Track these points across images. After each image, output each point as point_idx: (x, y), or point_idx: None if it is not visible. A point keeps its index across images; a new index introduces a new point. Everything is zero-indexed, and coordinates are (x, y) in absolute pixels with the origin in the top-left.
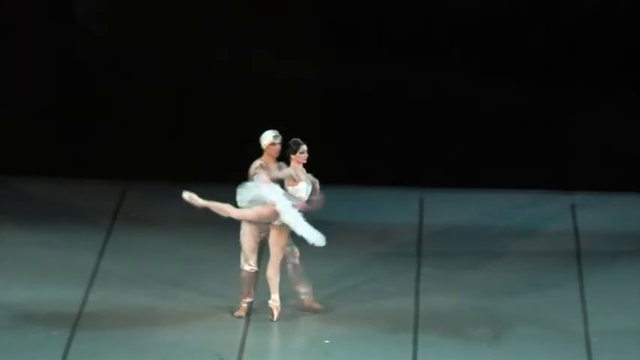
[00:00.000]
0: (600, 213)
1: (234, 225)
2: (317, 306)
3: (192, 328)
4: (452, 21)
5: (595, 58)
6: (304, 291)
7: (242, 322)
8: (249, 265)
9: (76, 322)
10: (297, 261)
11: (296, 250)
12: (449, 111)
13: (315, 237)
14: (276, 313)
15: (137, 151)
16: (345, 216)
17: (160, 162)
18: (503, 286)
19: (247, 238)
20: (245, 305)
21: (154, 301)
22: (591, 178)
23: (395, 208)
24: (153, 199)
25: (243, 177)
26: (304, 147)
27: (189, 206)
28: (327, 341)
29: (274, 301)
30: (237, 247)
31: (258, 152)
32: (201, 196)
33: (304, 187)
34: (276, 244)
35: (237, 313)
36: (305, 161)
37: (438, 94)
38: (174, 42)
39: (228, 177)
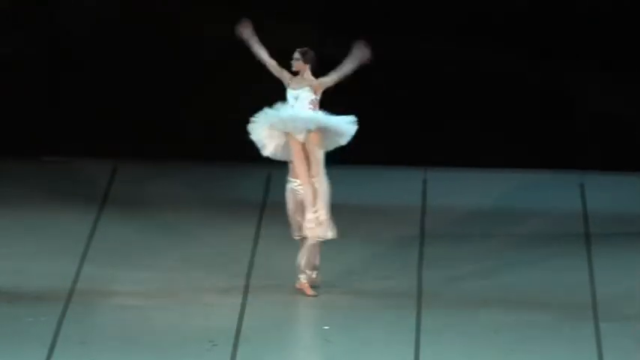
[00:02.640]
0: (610, 193)
1: (227, 206)
2: (312, 292)
3: (185, 314)
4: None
5: (609, 37)
6: (309, 272)
7: (238, 306)
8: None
9: (65, 308)
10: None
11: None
12: (455, 88)
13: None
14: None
15: (128, 130)
16: (346, 197)
17: (150, 141)
18: (509, 269)
19: (289, 205)
20: (301, 278)
21: (145, 286)
22: (601, 158)
23: (397, 188)
24: (143, 179)
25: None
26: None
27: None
28: (326, 327)
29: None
30: (230, 229)
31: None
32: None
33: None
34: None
35: (309, 293)
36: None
37: (443, 72)
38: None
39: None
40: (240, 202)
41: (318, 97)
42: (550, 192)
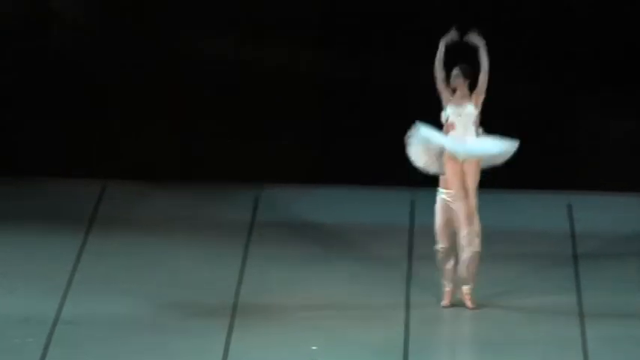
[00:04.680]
0: (598, 214)
1: (215, 227)
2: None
3: (173, 335)
4: (437, 19)
5: (598, 56)
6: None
7: (226, 326)
8: (439, 245)
9: (52, 328)
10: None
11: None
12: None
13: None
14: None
15: (116, 149)
16: (334, 217)
17: (138, 161)
18: (497, 289)
19: (438, 215)
20: (447, 291)
21: (133, 308)
22: (589, 178)
23: (386, 209)
24: (132, 200)
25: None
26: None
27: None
28: (314, 347)
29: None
30: (219, 250)
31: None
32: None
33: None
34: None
35: (442, 302)
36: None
37: (429, 93)
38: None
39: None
40: (229, 222)
41: (479, 109)
42: (538, 212)
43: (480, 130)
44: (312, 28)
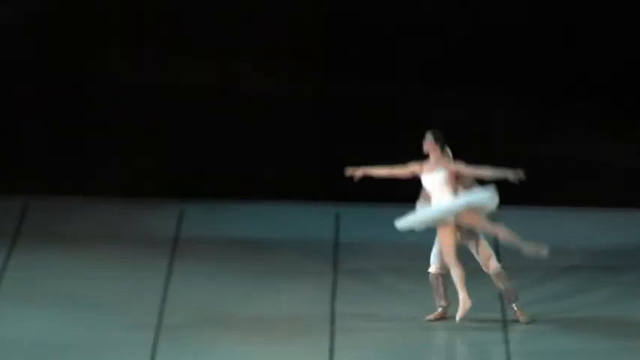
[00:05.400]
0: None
1: (139, 242)
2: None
3: (96, 351)
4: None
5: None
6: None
7: (150, 343)
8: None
9: None
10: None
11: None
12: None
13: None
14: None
15: (41, 167)
16: (261, 233)
17: (62, 177)
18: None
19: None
20: (439, 310)
21: (56, 323)
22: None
23: (311, 223)
24: (55, 216)
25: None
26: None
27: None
28: None
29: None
30: (142, 265)
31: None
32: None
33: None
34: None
35: (428, 317)
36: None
37: (357, 107)
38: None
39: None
40: (153, 238)
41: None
42: None
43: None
44: None
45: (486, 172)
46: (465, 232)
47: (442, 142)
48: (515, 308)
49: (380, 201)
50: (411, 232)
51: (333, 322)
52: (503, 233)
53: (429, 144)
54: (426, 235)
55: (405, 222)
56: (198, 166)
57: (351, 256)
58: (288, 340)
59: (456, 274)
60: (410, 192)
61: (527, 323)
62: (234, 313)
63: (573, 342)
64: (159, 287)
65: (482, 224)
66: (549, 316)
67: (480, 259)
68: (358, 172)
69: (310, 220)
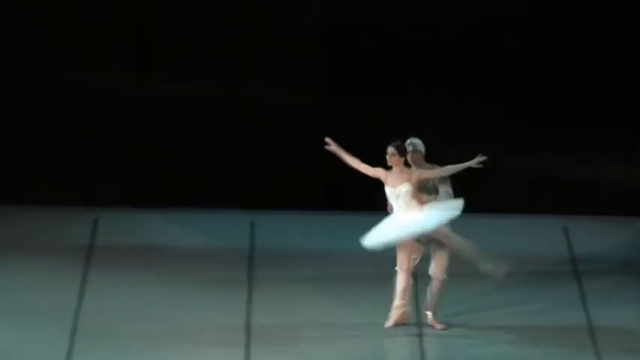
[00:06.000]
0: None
1: (54, 250)
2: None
3: None
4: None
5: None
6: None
7: (65, 351)
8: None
9: None
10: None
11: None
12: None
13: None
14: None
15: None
16: (177, 241)
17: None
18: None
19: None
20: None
21: None
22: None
23: (225, 231)
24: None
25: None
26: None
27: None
28: None
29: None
30: (57, 273)
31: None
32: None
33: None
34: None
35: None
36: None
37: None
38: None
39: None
40: (67, 247)
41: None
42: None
43: (444, 188)
44: None
45: (449, 170)
46: (432, 240)
47: (404, 153)
48: (431, 318)
49: (295, 209)
50: (326, 239)
51: (248, 331)
52: (469, 248)
53: (391, 157)
54: (339, 244)
55: (371, 241)
56: (112, 174)
57: (266, 264)
58: (203, 349)
59: (401, 282)
60: (327, 200)
61: (443, 330)
62: (149, 323)
63: (502, 349)
64: (73, 297)
65: (451, 240)
66: (471, 324)
67: (434, 263)
68: (332, 146)
69: (225, 228)
